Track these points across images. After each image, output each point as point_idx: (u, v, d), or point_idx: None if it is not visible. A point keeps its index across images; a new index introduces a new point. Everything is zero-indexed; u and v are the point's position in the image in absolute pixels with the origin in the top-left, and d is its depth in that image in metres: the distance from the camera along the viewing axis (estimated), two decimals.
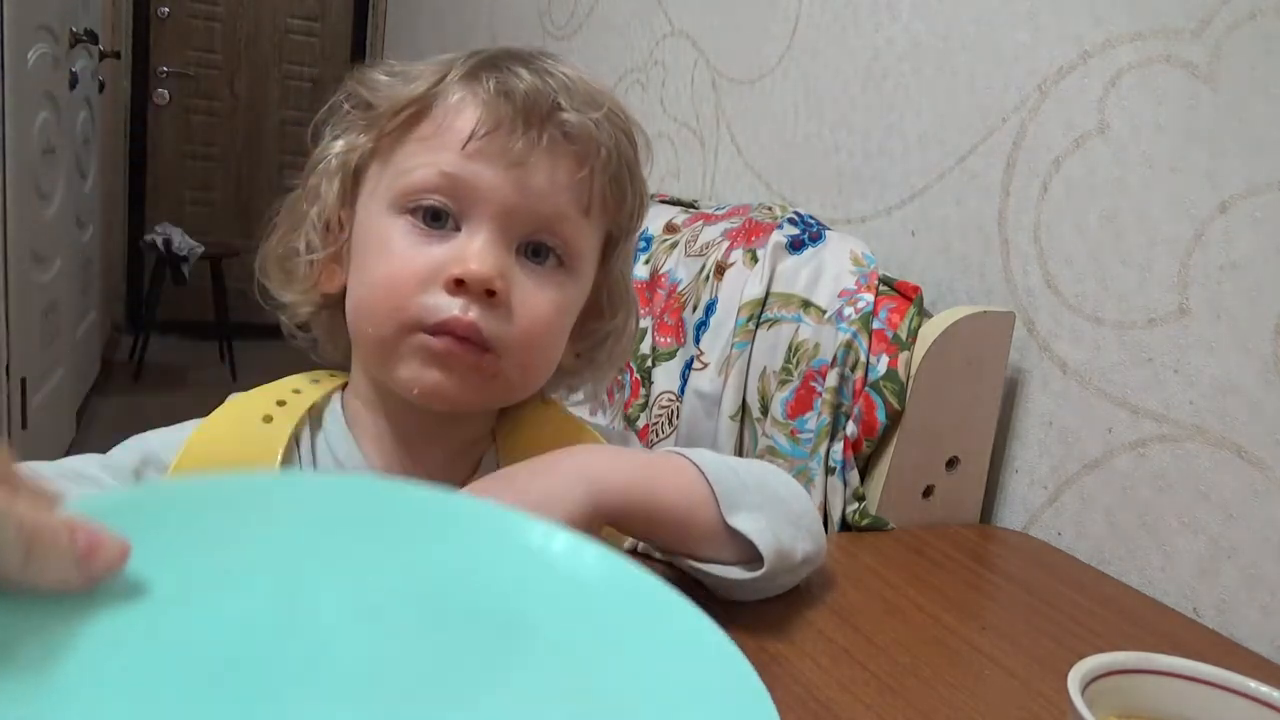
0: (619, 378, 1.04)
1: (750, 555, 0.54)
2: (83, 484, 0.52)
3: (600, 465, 0.52)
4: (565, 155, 0.54)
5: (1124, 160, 0.76)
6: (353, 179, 0.58)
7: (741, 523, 0.53)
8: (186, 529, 0.34)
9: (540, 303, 0.55)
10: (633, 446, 0.67)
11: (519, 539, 0.38)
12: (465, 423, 0.60)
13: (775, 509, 0.56)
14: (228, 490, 0.37)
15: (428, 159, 0.53)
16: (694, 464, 0.54)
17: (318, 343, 0.63)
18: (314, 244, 0.58)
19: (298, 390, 0.60)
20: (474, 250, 0.52)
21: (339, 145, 0.58)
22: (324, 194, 0.58)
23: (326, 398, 0.61)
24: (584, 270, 0.58)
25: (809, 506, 0.59)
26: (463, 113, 0.53)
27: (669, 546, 0.56)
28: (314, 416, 0.60)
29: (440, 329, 0.52)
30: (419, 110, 0.54)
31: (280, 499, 0.38)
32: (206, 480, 0.38)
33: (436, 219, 0.53)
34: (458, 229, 0.54)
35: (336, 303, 0.60)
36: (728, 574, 0.54)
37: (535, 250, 0.55)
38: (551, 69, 0.55)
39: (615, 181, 0.57)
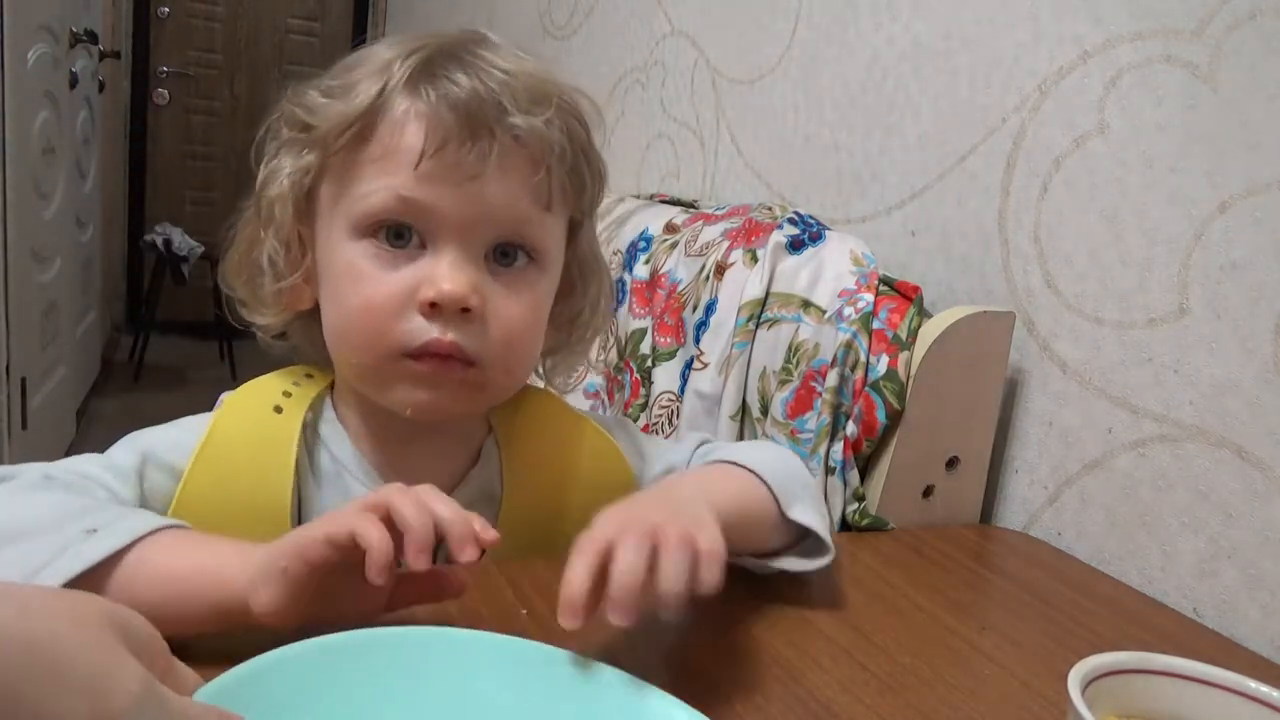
0: (619, 378, 1.04)
1: (797, 537, 0.59)
2: (89, 486, 0.52)
3: (707, 490, 0.54)
4: (519, 159, 0.53)
5: (1124, 160, 0.76)
6: (305, 198, 0.57)
7: (800, 515, 0.58)
8: (300, 696, 0.38)
9: (515, 309, 0.55)
10: (630, 433, 0.68)
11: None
12: (455, 418, 0.60)
13: (810, 492, 0.62)
14: (317, 657, 0.40)
15: (382, 183, 0.52)
16: (750, 470, 0.58)
17: (297, 348, 0.63)
18: (278, 266, 0.58)
19: (297, 383, 0.61)
20: (443, 271, 0.52)
21: (287, 165, 0.57)
22: (279, 216, 0.57)
23: (319, 396, 0.61)
24: (553, 260, 0.58)
25: (808, 472, 0.66)
26: (407, 129, 0.52)
27: (744, 549, 0.57)
28: (311, 417, 0.60)
29: (422, 352, 0.52)
30: (363, 127, 0.53)
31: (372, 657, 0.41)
32: (303, 648, 0.40)
33: (400, 237, 0.53)
34: (423, 245, 0.53)
35: (309, 315, 0.60)
36: (804, 566, 0.59)
37: (504, 252, 0.55)
38: (489, 65, 0.53)
39: (573, 172, 0.57)
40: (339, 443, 0.60)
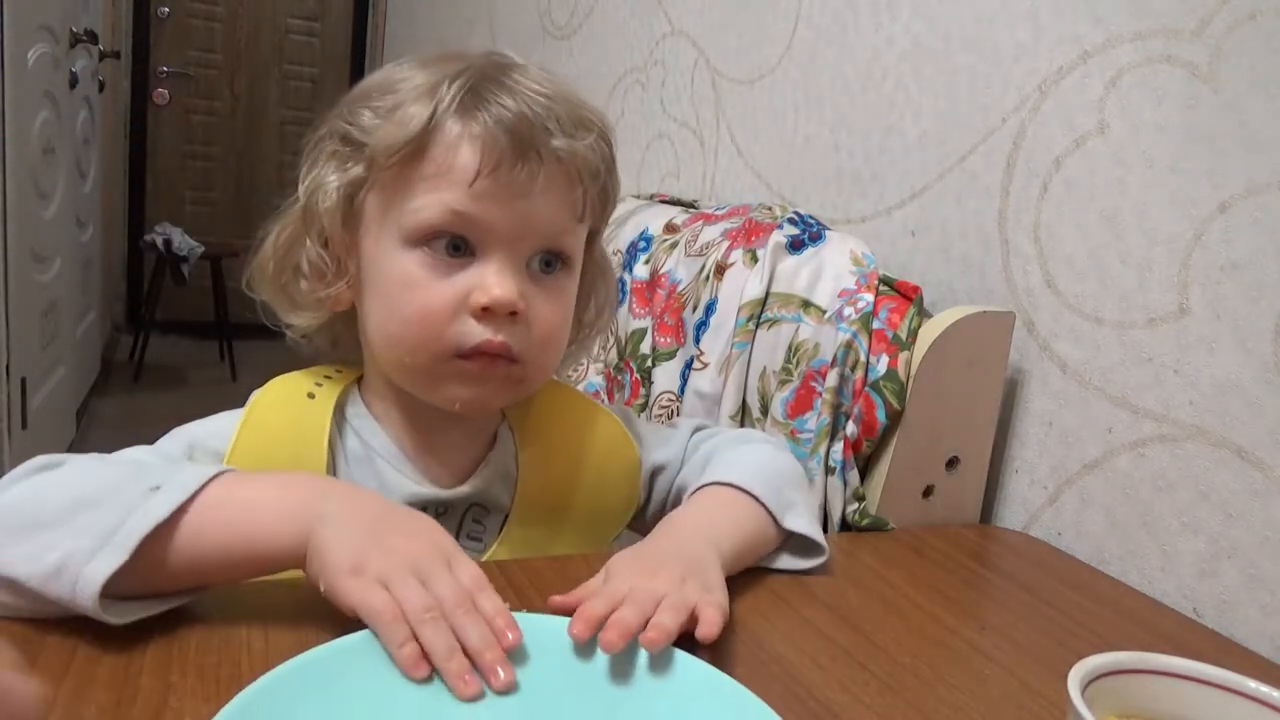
0: (619, 378, 1.04)
1: (790, 534, 0.63)
2: (146, 471, 0.55)
3: (712, 533, 0.58)
4: (560, 177, 0.58)
5: (1124, 160, 0.76)
6: (353, 211, 0.60)
7: (793, 523, 0.62)
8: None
9: (553, 311, 0.60)
10: (630, 421, 0.72)
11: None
12: (493, 410, 0.65)
13: (802, 491, 0.66)
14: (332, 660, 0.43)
15: (435, 198, 0.56)
16: (745, 491, 0.62)
17: (319, 349, 0.67)
18: (324, 272, 0.61)
19: (328, 375, 0.65)
20: (492, 279, 0.56)
21: (334, 178, 0.60)
22: (327, 225, 0.60)
23: (347, 389, 0.65)
24: (578, 266, 0.63)
25: (796, 463, 0.70)
26: (461, 149, 0.56)
27: (744, 567, 0.61)
28: (338, 408, 0.64)
29: (475, 352, 0.57)
30: (417, 148, 0.57)
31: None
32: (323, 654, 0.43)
33: (458, 249, 0.57)
34: (472, 254, 0.57)
35: (338, 316, 0.64)
36: (798, 565, 0.63)
37: (547, 261, 0.60)
38: (533, 91, 0.57)
39: (603, 189, 0.62)
40: (369, 429, 0.63)
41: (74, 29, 2.49)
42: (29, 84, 2.04)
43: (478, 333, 0.57)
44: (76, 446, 2.54)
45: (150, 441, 0.61)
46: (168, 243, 3.29)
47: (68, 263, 2.49)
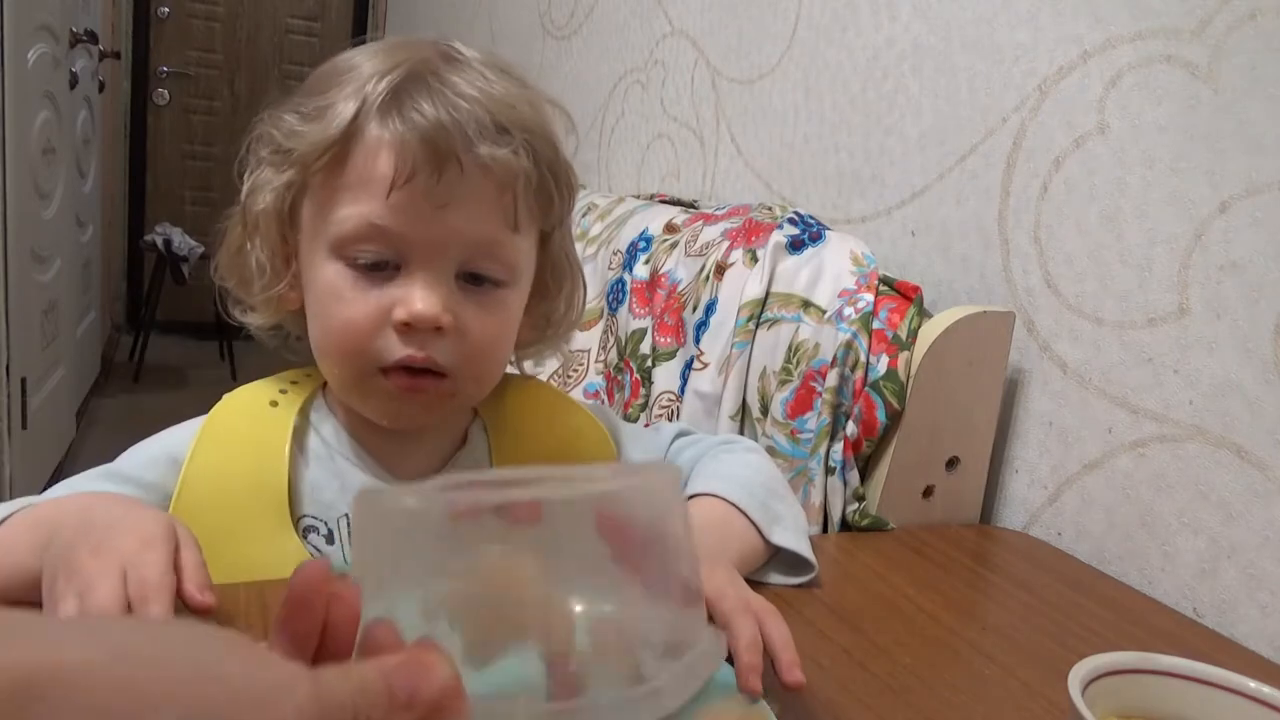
0: (619, 378, 1.04)
1: (776, 549, 0.61)
2: (124, 488, 0.56)
3: (718, 546, 0.57)
4: (486, 186, 0.55)
5: (1124, 160, 0.76)
6: (289, 211, 0.59)
7: (780, 538, 0.60)
8: None
9: (486, 324, 0.57)
10: (609, 419, 0.70)
11: None
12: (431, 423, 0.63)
13: (788, 504, 0.64)
14: None
15: (356, 210, 0.54)
16: (728, 503, 0.61)
17: (288, 337, 0.65)
18: (266, 274, 0.60)
19: (295, 381, 0.65)
20: (416, 293, 0.54)
21: (270, 180, 0.58)
22: (264, 229, 0.59)
23: (311, 396, 0.64)
24: (523, 276, 0.60)
25: (778, 471, 0.68)
26: (379, 157, 0.54)
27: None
28: (302, 411, 0.63)
29: (397, 367, 0.55)
30: (339, 152, 0.55)
31: None
32: None
33: (375, 267, 0.55)
34: (397, 267, 0.55)
35: (300, 311, 0.63)
36: (787, 581, 0.61)
37: (473, 277, 0.57)
38: (459, 93, 0.55)
39: (540, 192, 0.58)
40: (331, 429, 0.63)
41: (74, 29, 2.49)
42: (29, 84, 2.04)
43: (399, 348, 0.55)
44: (76, 446, 2.54)
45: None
46: (168, 243, 3.29)
47: (68, 263, 2.49)
